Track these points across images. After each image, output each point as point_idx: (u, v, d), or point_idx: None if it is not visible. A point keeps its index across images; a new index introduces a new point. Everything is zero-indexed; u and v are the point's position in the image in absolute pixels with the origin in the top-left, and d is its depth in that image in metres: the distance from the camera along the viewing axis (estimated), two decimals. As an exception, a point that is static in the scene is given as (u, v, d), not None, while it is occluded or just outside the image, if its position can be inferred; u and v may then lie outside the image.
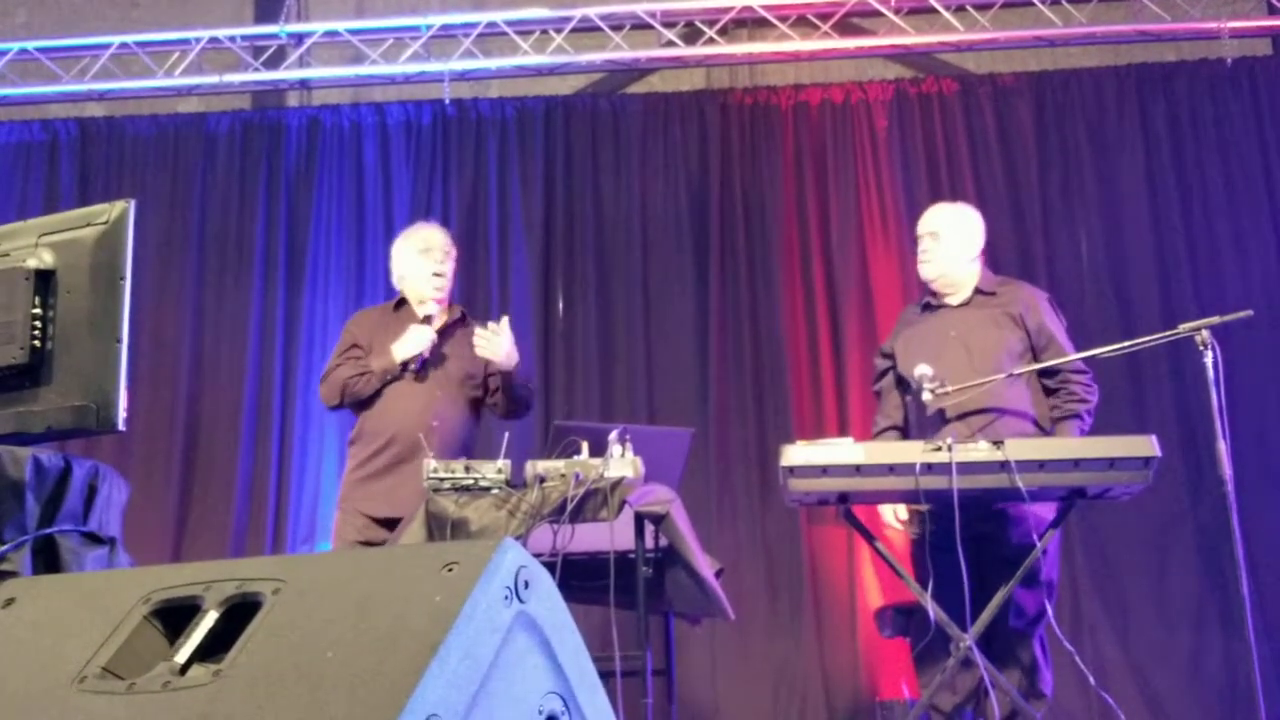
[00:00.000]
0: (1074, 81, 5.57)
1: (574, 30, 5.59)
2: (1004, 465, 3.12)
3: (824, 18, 5.53)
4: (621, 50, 5.56)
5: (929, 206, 4.06)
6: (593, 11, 5.54)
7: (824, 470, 3.20)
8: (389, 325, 3.90)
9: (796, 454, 3.21)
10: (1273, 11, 5.55)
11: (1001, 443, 3.16)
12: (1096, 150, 5.49)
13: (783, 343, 5.37)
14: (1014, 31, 5.50)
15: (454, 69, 5.59)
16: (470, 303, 5.33)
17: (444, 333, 3.90)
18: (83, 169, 5.83)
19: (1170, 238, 5.36)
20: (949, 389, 3.48)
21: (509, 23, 5.60)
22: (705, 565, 3.36)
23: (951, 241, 3.82)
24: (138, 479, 4.37)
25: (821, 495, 3.29)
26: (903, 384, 3.83)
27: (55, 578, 1.89)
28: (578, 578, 3.21)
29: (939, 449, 3.15)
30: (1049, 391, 3.71)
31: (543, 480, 3.15)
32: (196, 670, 1.33)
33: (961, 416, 3.59)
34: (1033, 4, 5.48)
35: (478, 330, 3.77)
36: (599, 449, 3.18)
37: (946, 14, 5.44)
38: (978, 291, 3.81)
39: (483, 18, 5.62)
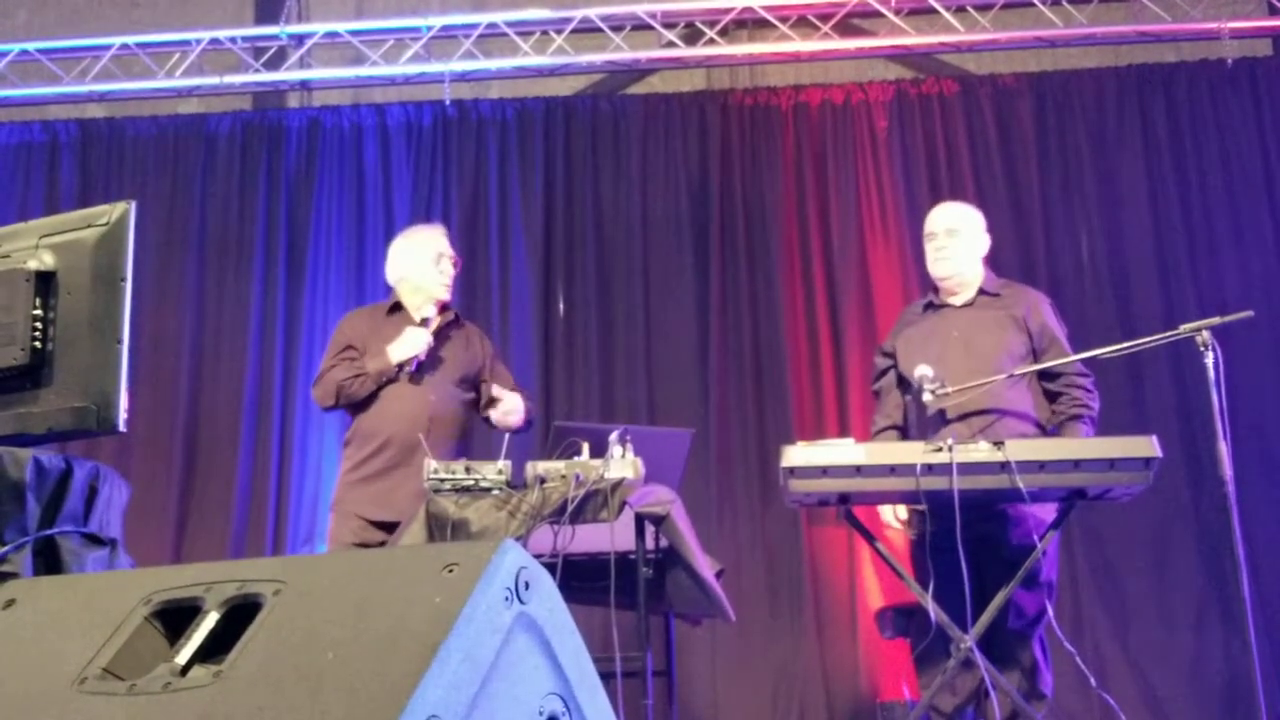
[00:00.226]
0: (1074, 82, 5.57)
1: (574, 31, 5.59)
2: (1004, 466, 3.12)
3: (824, 18, 5.53)
4: (622, 51, 5.56)
5: (929, 207, 4.06)
6: (593, 12, 5.54)
7: (824, 471, 3.20)
8: (383, 327, 3.88)
9: (797, 455, 3.21)
10: (1273, 12, 5.54)
11: (1002, 443, 3.16)
12: (1096, 150, 5.49)
13: (783, 343, 5.37)
14: (1014, 32, 5.50)
15: (454, 70, 5.59)
16: (470, 303, 5.34)
17: (439, 335, 3.89)
18: (83, 170, 5.84)
19: (1170, 237, 5.36)
20: (949, 389, 3.47)
21: (509, 23, 5.60)
22: (705, 566, 3.36)
23: (969, 239, 3.81)
24: (138, 480, 4.36)
25: (822, 496, 3.29)
26: (903, 383, 3.83)
27: (56, 579, 1.88)
28: (578, 579, 3.22)
29: (939, 450, 3.14)
30: (1053, 395, 3.70)
31: (543, 481, 3.15)
32: (197, 671, 1.33)
33: (962, 417, 3.58)
34: (1033, 5, 5.48)
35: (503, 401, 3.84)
36: (599, 450, 3.18)
37: (947, 15, 5.44)
38: (982, 292, 3.80)
39: (483, 18, 5.62)
